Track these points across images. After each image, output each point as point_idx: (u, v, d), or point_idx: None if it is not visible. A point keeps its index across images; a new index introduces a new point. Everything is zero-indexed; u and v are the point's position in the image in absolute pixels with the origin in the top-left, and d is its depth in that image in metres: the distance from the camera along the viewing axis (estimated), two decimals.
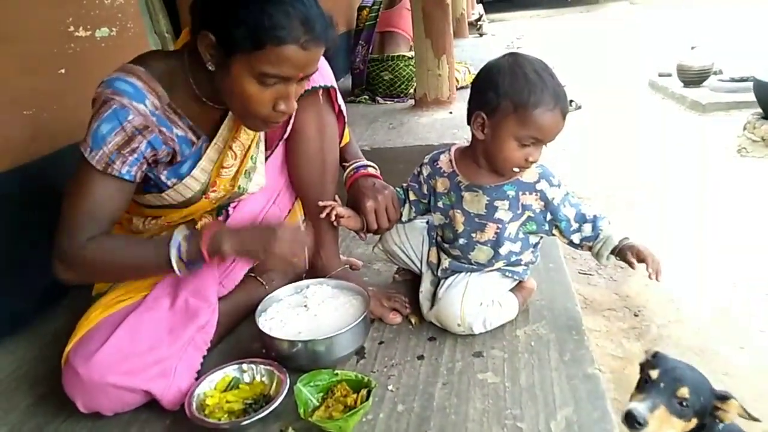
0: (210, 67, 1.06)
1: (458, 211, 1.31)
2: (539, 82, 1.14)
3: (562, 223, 1.26)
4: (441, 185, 1.34)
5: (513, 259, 1.33)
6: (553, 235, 1.31)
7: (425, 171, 1.37)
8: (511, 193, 1.26)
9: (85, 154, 1.09)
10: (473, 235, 1.30)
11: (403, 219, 1.44)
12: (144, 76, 1.11)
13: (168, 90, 1.13)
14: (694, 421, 1.07)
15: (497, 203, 1.27)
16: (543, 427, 1.04)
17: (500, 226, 1.28)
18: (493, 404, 1.11)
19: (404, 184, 1.43)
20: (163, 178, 1.20)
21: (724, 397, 1.08)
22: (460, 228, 1.31)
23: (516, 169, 1.22)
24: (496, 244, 1.29)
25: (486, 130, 1.20)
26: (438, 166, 1.34)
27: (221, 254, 1.11)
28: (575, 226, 1.26)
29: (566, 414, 1.06)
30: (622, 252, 1.23)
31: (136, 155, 1.11)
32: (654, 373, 1.08)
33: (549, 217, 1.27)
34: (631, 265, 1.21)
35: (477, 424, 1.06)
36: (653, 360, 1.13)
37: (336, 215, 1.35)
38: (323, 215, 1.35)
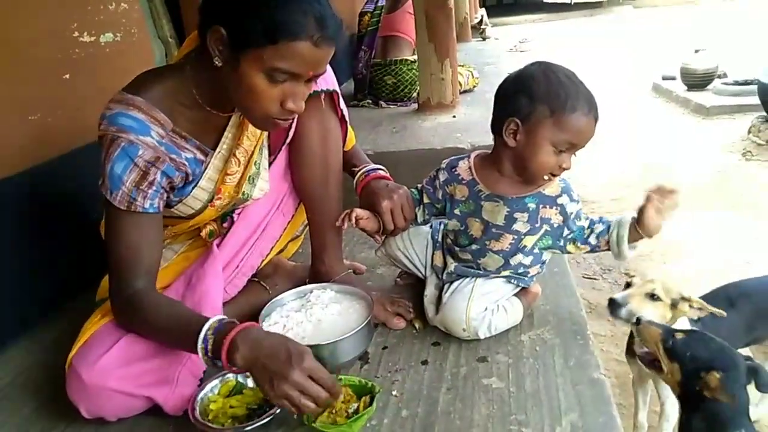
0: (217, 62, 1.05)
1: (476, 219, 1.30)
2: (573, 88, 1.15)
3: (575, 232, 1.27)
4: (459, 192, 1.32)
5: (521, 270, 1.32)
6: (568, 252, 1.31)
7: (442, 176, 1.36)
8: (532, 205, 1.25)
9: (107, 196, 1.11)
10: (487, 243, 1.29)
11: (418, 220, 1.43)
12: (144, 106, 1.10)
13: (169, 113, 1.13)
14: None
15: (517, 215, 1.25)
16: None
17: (515, 237, 1.27)
18: (497, 409, 1.10)
19: (419, 185, 1.42)
20: (171, 196, 1.21)
21: (709, 368, 1.09)
22: (477, 235, 1.30)
23: (546, 177, 1.21)
24: (509, 254, 1.29)
25: (519, 137, 1.18)
26: (456, 173, 1.33)
27: (234, 364, 1.01)
28: (588, 232, 1.27)
29: (571, 419, 1.05)
30: (639, 221, 1.19)
31: (154, 187, 1.12)
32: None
33: (566, 232, 1.27)
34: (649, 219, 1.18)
35: (482, 430, 1.05)
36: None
37: (355, 217, 1.33)
38: (345, 226, 1.34)
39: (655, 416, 1.61)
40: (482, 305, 1.28)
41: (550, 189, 1.25)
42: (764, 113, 4.24)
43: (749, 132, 4.28)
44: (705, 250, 2.86)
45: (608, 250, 1.27)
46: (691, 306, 1.31)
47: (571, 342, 1.28)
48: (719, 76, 5.51)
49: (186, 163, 1.18)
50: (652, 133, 4.89)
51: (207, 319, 1.05)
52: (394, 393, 1.17)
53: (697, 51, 5.59)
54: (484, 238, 1.29)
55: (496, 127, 1.23)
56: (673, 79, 5.90)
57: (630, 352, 1.52)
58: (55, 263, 1.65)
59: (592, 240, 1.27)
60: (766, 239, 2.86)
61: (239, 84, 1.05)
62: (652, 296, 1.28)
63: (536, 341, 1.30)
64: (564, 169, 1.20)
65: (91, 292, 1.38)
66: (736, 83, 5.23)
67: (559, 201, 1.25)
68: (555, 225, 1.27)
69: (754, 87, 4.38)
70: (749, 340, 1.67)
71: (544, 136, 1.16)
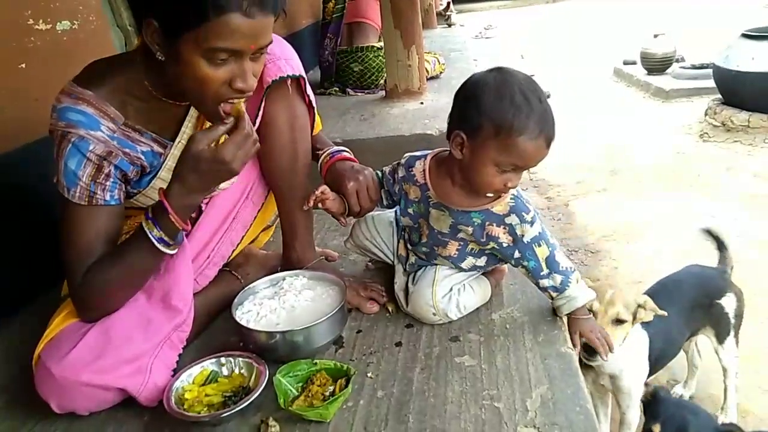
0: (160, 57, 1.03)
1: (425, 222, 1.30)
2: (525, 107, 1.06)
3: (530, 263, 1.21)
4: (413, 193, 1.30)
5: (479, 270, 1.34)
6: (516, 268, 1.28)
7: (400, 172, 1.33)
8: (478, 221, 1.21)
9: (66, 194, 1.09)
10: (435, 248, 1.30)
11: (384, 203, 1.41)
12: (94, 100, 1.08)
13: (122, 106, 1.12)
14: None
15: (461, 227, 1.24)
16: (519, 405, 1.06)
17: (461, 243, 1.27)
18: (470, 386, 1.13)
19: (383, 168, 1.41)
20: (128, 188, 1.20)
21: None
22: (425, 239, 1.31)
23: (490, 195, 1.18)
24: (458, 260, 1.30)
25: (465, 151, 1.13)
26: (412, 173, 1.29)
27: (192, 211, 1.13)
28: (546, 271, 1.21)
29: (541, 392, 1.09)
30: (574, 323, 1.23)
31: (111, 179, 1.12)
32: (656, 428, 1.11)
33: (517, 254, 1.22)
34: (573, 343, 1.23)
35: (455, 406, 1.08)
36: (653, 406, 1.16)
37: (321, 197, 1.30)
38: (311, 204, 1.31)
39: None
40: (447, 286, 1.30)
41: (499, 207, 1.20)
42: (719, 96, 4.39)
43: (706, 114, 4.42)
44: (664, 230, 2.97)
45: (548, 298, 1.27)
46: (645, 310, 1.31)
47: (539, 319, 1.32)
48: (677, 60, 5.67)
49: (142, 157, 1.17)
50: (614, 117, 5.01)
51: (140, 227, 1.11)
52: (369, 375, 1.19)
53: (656, 35, 5.72)
54: (431, 242, 1.30)
55: (448, 135, 1.18)
56: (634, 63, 6.03)
57: (582, 364, 1.53)
58: (17, 259, 1.61)
59: (543, 283, 1.23)
60: (722, 217, 2.97)
61: (184, 74, 1.03)
62: (617, 321, 1.23)
63: (506, 319, 1.33)
64: (510, 188, 1.15)
65: (55, 288, 1.35)
66: (693, 67, 5.38)
67: (507, 221, 1.20)
68: (504, 244, 1.22)
69: (710, 70, 4.52)
70: (690, 332, 1.72)
71: (488, 156, 1.09)
